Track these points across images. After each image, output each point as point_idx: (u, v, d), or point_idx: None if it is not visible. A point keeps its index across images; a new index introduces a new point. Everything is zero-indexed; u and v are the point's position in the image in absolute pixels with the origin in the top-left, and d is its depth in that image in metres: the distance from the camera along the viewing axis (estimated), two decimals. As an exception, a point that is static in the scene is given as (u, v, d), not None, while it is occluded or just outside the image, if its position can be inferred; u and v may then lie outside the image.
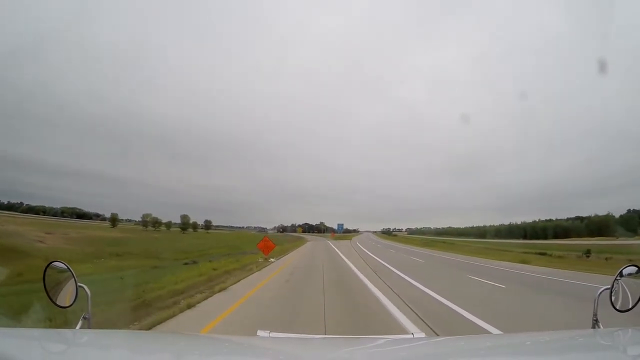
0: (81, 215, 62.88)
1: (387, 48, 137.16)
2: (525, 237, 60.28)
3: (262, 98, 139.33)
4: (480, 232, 73.39)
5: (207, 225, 75.11)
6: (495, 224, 75.90)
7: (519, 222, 69.87)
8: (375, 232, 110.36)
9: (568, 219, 61.92)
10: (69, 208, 62.65)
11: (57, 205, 64.11)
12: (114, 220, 59.34)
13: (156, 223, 61.73)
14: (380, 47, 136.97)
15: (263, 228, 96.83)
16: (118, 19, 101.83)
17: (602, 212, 56.43)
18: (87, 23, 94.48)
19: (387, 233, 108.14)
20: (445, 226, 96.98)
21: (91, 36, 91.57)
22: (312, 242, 52.90)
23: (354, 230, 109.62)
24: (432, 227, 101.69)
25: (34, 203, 62.58)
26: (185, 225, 65.98)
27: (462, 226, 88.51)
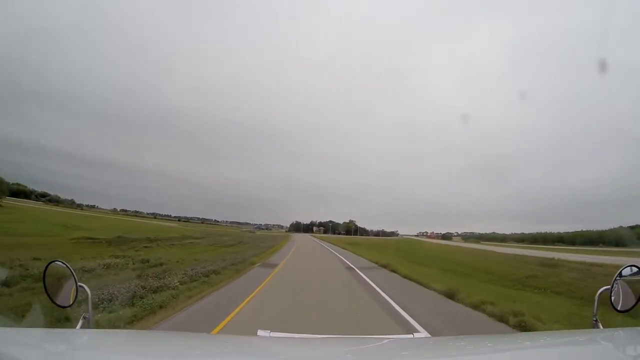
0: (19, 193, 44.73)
1: (409, 43, 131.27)
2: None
3: (282, 93, 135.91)
4: (536, 238, 66.29)
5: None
6: (535, 231, 66.63)
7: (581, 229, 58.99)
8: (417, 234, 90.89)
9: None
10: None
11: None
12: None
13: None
14: (403, 41, 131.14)
15: (258, 225, 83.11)
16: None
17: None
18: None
19: (448, 238, 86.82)
20: (483, 232, 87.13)
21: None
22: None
23: (391, 233, 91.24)
24: (475, 232, 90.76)
25: None
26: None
27: (486, 232, 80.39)
